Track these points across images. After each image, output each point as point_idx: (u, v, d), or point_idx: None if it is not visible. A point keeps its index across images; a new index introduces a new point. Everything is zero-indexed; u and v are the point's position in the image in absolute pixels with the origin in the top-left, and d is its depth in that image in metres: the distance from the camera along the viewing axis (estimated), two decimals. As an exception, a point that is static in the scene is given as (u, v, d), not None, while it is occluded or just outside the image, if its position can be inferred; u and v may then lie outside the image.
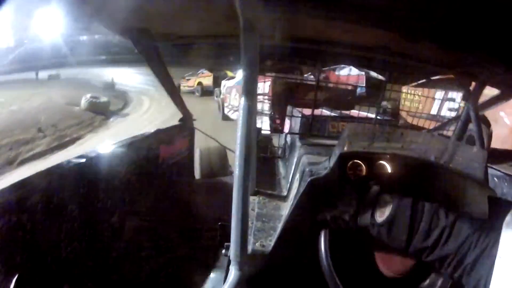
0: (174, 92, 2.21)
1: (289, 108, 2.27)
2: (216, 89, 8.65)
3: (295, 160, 1.66)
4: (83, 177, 1.36)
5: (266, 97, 3.81)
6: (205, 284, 1.23)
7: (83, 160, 1.38)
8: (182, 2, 1.07)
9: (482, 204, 0.87)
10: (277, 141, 1.90)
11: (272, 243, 1.09)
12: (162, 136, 2.14)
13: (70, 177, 1.28)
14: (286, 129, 2.14)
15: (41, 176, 1.16)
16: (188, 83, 11.97)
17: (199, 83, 11.22)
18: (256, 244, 1.11)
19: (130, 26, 1.47)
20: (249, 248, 1.00)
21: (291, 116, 2.00)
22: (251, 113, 0.93)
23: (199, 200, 1.98)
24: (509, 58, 0.92)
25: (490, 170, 1.23)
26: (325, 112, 2.05)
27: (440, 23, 0.81)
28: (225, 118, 7.40)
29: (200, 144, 2.78)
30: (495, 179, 1.74)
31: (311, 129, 1.70)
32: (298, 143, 1.77)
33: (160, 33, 1.60)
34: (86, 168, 1.38)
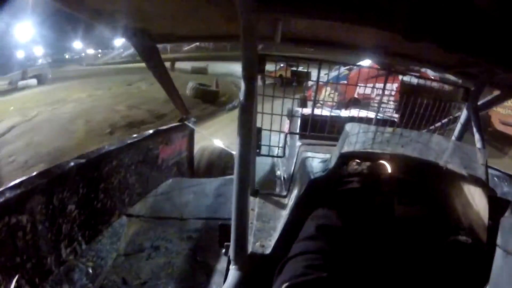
0: (173, 92, 2.21)
1: (288, 107, 2.27)
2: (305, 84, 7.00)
3: (295, 160, 1.66)
4: (83, 177, 1.36)
5: (392, 97, 4.02)
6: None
7: (83, 160, 1.38)
8: (182, 4, 1.07)
9: (482, 205, 0.88)
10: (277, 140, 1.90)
11: (272, 243, 1.08)
12: (162, 136, 2.14)
13: (70, 177, 1.28)
14: (286, 128, 2.13)
15: (41, 176, 1.16)
16: (271, 75, 13.02)
17: (280, 75, 12.22)
18: (256, 244, 1.11)
19: (130, 27, 1.47)
20: (249, 248, 1.00)
21: (291, 116, 2.00)
22: (250, 113, 0.93)
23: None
24: (508, 58, 0.92)
25: (490, 170, 1.23)
26: (325, 111, 2.05)
27: (440, 24, 0.81)
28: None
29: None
30: (495, 179, 1.74)
31: (311, 129, 1.70)
32: (298, 143, 1.77)
33: (160, 34, 1.60)
34: (86, 168, 1.38)
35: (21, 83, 12.77)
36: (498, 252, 0.56)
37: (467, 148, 1.06)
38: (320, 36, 1.49)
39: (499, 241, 0.56)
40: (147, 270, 1.38)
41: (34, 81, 13.09)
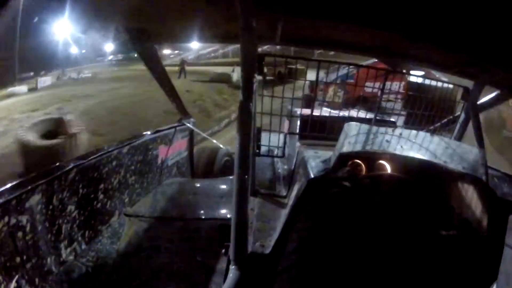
0: (172, 93, 2.21)
1: (288, 107, 2.27)
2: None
3: (294, 160, 1.66)
4: (83, 178, 1.36)
5: (399, 96, 4.20)
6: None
7: (83, 161, 1.38)
8: (182, 4, 1.07)
9: (482, 204, 0.88)
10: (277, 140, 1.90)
11: (272, 243, 1.09)
12: (162, 136, 2.14)
13: (70, 177, 1.28)
14: (286, 129, 2.13)
15: (41, 176, 1.16)
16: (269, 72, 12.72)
17: (279, 72, 12.05)
18: (256, 244, 1.11)
19: (129, 27, 1.47)
20: (249, 248, 1.00)
21: (291, 116, 2.00)
22: (250, 113, 0.93)
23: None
24: (508, 58, 0.92)
25: (490, 170, 1.23)
26: (325, 112, 2.05)
27: (440, 24, 0.81)
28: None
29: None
30: (495, 179, 1.74)
31: (310, 129, 1.70)
32: (297, 143, 1.77)
33: (159, 34, 1.60)
34: (86, 168, 1.38)
35: (10, 89, 12.19)
36: (507, 251, 0.56)
37: (467, 148, 1.06)
38: (320, 36, 1.49)
39: (508, 240, 0.56)
40: (147, 270, 1.38)
41: (23, 88, 12.37)
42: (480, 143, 1.60)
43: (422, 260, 0.81)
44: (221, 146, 2.85)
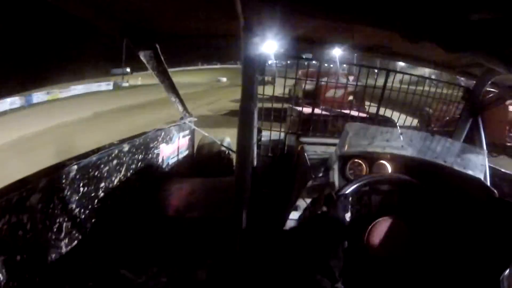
0: (174, 92, 2.21)
1: (289, 107, 2.27)
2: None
3: (295, 159, 1.66)
4: (84, 176, 1.36)
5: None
6: None
7: (84, 159, 1.38)
8: (183, 3, 1.07)
9: (482, 204, 0.88)
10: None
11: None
12: (163, 135, 2.14)
13: (71, 176, 1.28)
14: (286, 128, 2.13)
15: (41, 175, 1.16)
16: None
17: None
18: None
19: (130, 26, 1.47)
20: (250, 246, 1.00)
21: (291, 115, 2.00)
22: (251, 113, 0.93)
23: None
24: (509, 58, 0.92)
25: (490, 170, 1.23)
26: (325, 111, 2.05)
27: (440, 23, 0.81)
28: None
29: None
30: (495, 179, 1.74)
31: (311, 128, 1.70)
32: (298, 143, 1.77)
33: (160, 33, 1.60)
34: (86, 167, 1.38)
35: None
36: None
37: (467, 148, 1.06)
38: (321, 36, 1.49)
39: None
40: (147, 270, 1.39)
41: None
42: (481, 143, 1.60)
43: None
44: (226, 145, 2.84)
